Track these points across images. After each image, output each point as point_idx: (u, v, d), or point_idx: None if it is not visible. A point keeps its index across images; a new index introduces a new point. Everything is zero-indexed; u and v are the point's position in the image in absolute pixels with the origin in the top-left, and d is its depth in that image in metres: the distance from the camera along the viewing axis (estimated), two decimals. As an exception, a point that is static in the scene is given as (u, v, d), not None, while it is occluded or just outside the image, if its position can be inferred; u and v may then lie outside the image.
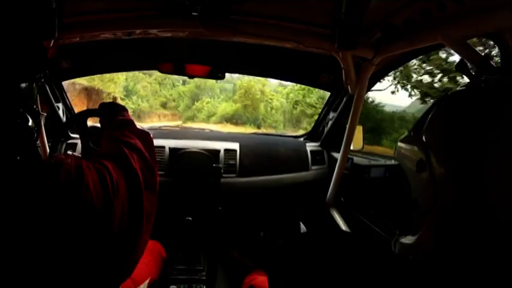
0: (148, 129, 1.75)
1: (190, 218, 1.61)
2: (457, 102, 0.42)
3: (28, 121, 0.43)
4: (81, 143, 0.91)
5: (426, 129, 0.43)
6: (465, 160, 0.37)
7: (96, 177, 0.45)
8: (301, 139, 1.97)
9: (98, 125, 1.57)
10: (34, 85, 0.45)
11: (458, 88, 0.45)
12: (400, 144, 0.49)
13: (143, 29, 1.06)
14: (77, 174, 0.43)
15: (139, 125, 1.69)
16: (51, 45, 0.99)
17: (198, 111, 12.25)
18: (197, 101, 12.44)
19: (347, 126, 1.44)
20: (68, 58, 1.39)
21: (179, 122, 11.38)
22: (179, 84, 12.98)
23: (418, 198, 0.44)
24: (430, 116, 0.44)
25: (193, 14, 0.97)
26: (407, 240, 0.47)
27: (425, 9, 0.82)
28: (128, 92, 11.27)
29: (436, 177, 0.40)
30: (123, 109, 0.80)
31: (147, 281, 0.99)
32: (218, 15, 0.97)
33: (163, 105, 12.56)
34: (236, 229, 1.71)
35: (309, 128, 2.05)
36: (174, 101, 12.81)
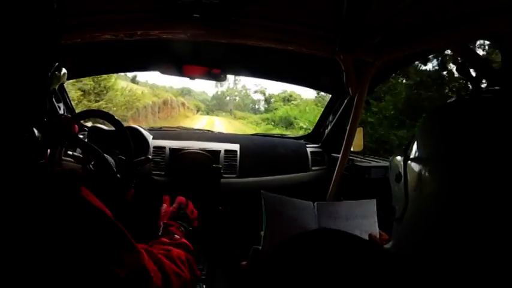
0: (149, 129, 1.75)
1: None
2: (436, 118, 0.44)
3: (35, 135, 0.43)
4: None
5: (411, 146, 0.46)
6: (437, 169, 0.40)
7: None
8: (302, 140, 1.97)
9: (100, 125, 1.57)
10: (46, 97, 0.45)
11: (438, 106, 0.47)
12: (391, 159, 0.53)
13: (144, 31, 1.06)
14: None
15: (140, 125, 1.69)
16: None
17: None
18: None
19: (347, 127, 1.44)
20: (69, 58, 1.39)
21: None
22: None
23: (395, 206, 0.47)
24: (416, 133, 0.47)
25: (195, 15, 0.98)
26: (388, 245, 0.50)
27: (427, 12, 0.82)
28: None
29: (408, 185, 0.43)
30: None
31: None
32: (219, 17, 0.98)
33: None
34: (236, 229, 1.72)
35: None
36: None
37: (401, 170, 0.45)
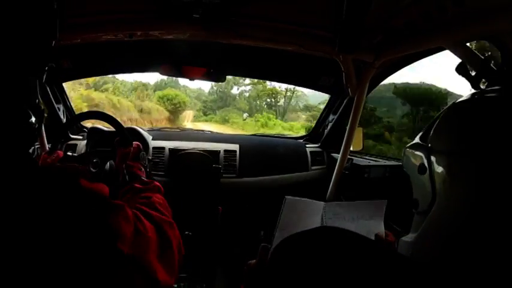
0: (148, 130, 1.75)
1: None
2: (462, 111, 0.44)
3: (30, 117, 0.43)
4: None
5: (432, 137, 0.45)
6: (468, 166, 0.39)
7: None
8: (301, 140, 1.97)
9: (99, 126, 1.57)
10: (37, 82, 0.45)
11: (463, 99, 0.47)
12: (407, 149, 0.52)
13: (144, 31, 1.06)
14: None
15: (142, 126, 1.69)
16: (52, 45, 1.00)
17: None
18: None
19: (347, 127, 1.44)
20: (69, 58, 1.39)
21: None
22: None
23: (418, 198, 0.47)
24: (435, 124, 0.46)
25: (195, 16, 0.98)
26: (408, 238, 0.50)
27: (426, 12, 0.82)
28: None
29: (435, 179, 0.42)
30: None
31: None
32: (219, 18, 0.98)
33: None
34: (236, 229, 1.72)
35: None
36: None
37: (425, 162, 0.45)
